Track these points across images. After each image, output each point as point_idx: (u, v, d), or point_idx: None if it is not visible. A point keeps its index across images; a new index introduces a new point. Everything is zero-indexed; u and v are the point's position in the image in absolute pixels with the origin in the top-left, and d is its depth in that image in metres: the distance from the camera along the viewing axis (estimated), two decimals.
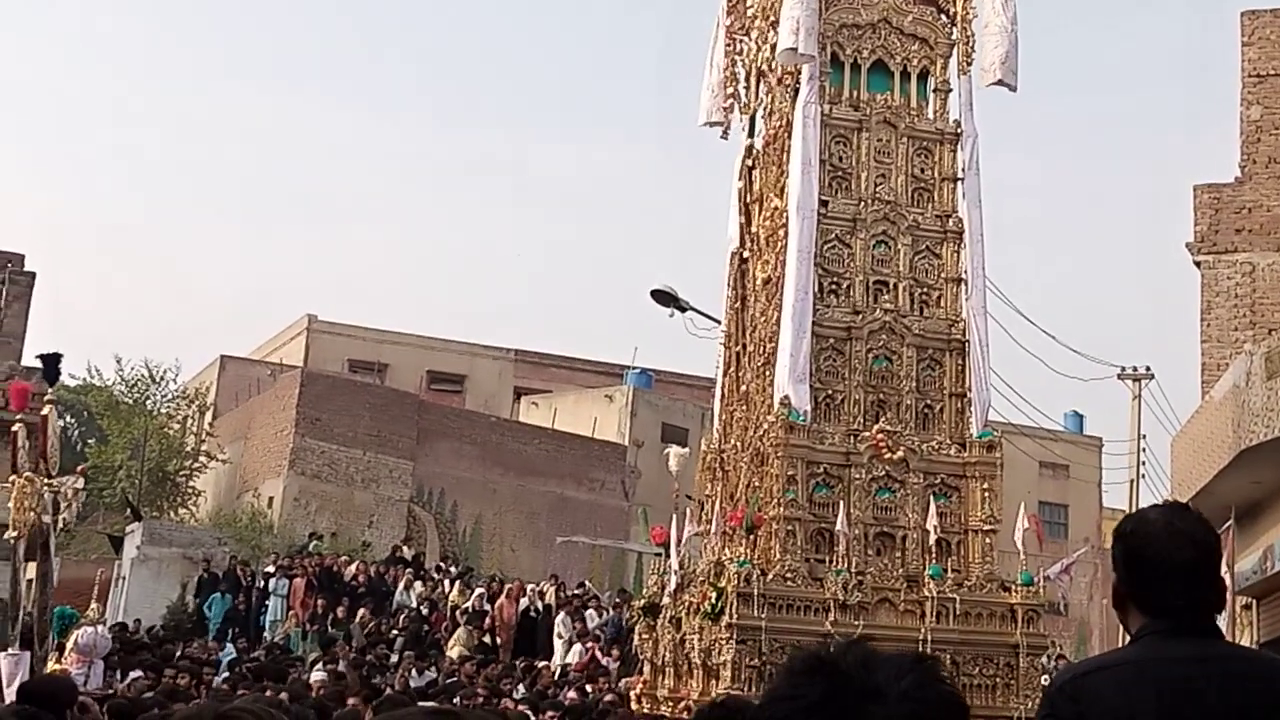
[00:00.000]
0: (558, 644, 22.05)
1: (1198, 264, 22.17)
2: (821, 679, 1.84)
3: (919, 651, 8.87)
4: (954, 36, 13.01)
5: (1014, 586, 11.54)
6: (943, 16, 13.11)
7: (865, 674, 1.84)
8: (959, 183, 12.72)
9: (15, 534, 9.31)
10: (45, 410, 10.58)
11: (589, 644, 21.04)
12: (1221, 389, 17.22)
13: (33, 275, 27.39)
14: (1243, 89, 22.56)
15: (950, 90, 13.00)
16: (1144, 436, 30.13)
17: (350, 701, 12.46)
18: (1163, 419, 31.94)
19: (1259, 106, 22.32)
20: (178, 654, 18.78)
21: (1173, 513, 3.17)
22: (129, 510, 32.21)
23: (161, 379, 39.92)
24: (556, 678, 17.69)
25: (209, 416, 41.10)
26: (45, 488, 9.72)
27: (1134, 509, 29.95)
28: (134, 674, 13.88)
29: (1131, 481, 30.47)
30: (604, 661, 19.34)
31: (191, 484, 38.06)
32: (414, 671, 17.95)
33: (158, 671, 13.41)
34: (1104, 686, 3.00)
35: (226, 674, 16.27)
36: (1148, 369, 30.22)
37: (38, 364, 12.60)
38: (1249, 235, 21.86)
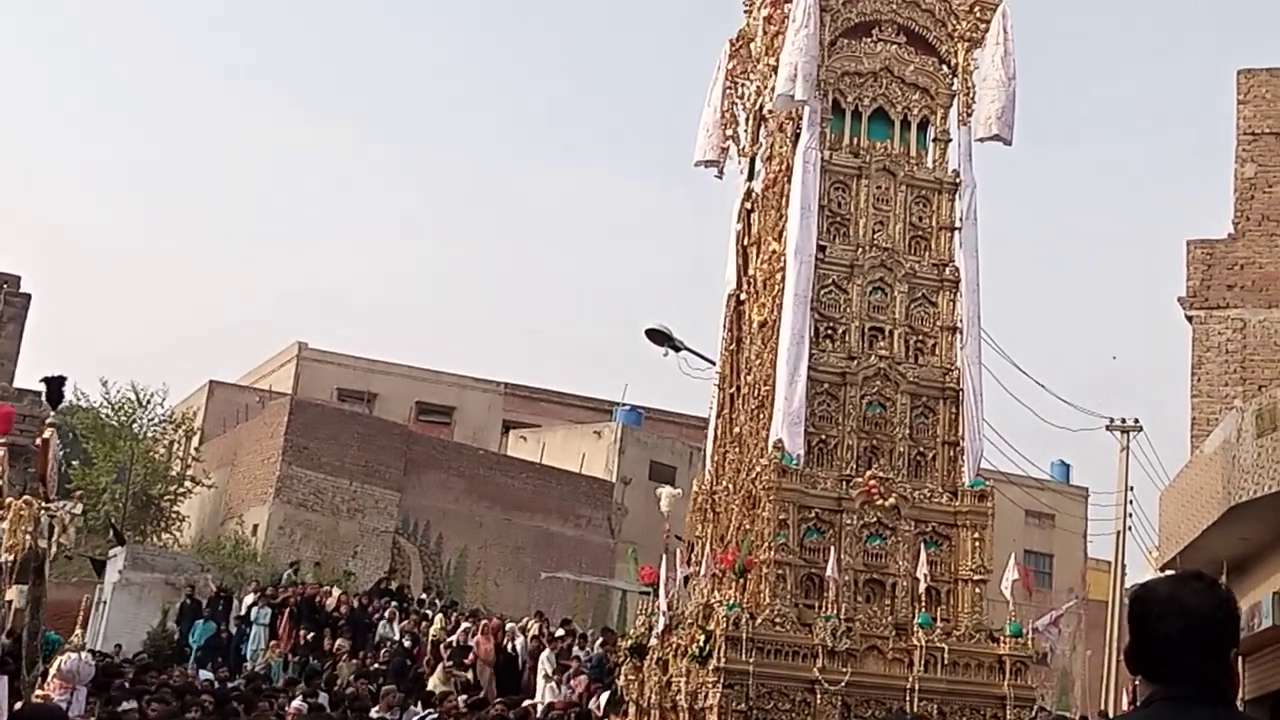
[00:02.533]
0: (541, 681, 21.92)
1: (1189, 319, 22.29)
2: None
3: None
4: (955, 87, 13.12)
5: (1002, 637, 11.52)
6: (944, 67, 13.22)
7: None
8: (956, 232, 12.79)
9: (12, 557, 9.27)
10: (47, 434, 10.57)
11: (578, 681, 20.92)
12: (1212, 444, 17.26)
13: (28, 297, 27.33)
14: (1237, 146, 22.75)
15: (950, 140, 13.09)
16: (1131, 488, 30.20)
17: None
18: (1150, 472, 32.01)
19: (1253, 164, 22.51)
20: (158, 682, 18.61)
21: (1177, 582, 3.18)
22: (112, 533, 32.02)
23: (148, 402, 39.79)
24: (540, 716, 17.58)
25: (195, 441, 40.97)
26: (42, 511, 9.68)
27: (1119, 560, 30.09)
28: (127, 704, 13.76)
29: (1117, 533, 30.50)
30: (590, 703, 19.22)
31: (176, 509, 37.88)
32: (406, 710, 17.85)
33: (142, 700, 13.30)
34: None
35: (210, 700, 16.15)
36: (1136, 421, 30.32)
37: (29, 386, 12.60)
38: (1241, 291, 21.99)
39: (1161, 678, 3.07)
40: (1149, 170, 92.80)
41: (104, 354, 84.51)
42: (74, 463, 39.43)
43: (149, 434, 39.82)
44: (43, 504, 9.76)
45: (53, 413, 11.08)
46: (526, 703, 19.21)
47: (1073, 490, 46.53)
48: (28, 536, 9.36)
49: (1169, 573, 3.43)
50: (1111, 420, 30.11)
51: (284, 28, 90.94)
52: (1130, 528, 29.99)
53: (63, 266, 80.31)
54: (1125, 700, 24.69)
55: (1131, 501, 30.04)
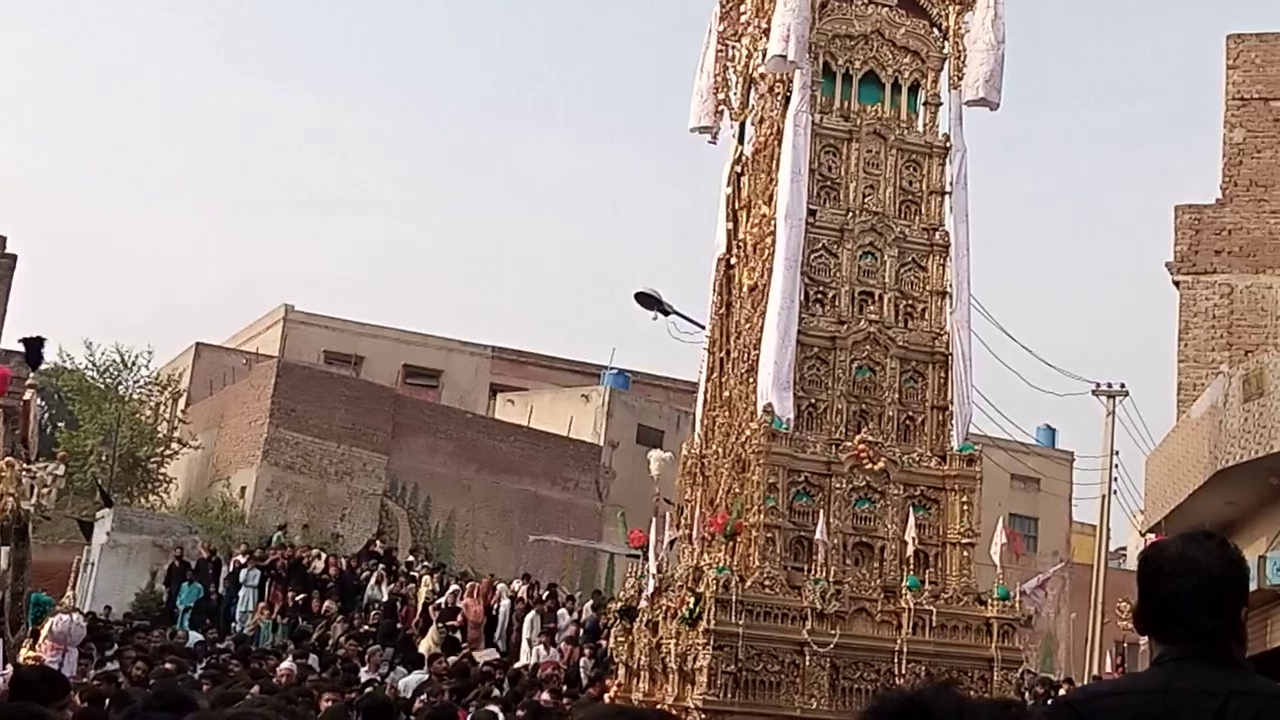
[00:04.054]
0: (525, 645, 22.03)
1: (1177, 284, 22.34)
2: None
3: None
4: (945, 51, 13.06)
5: (990, 600, 11.60)
6: (935, 30, 13.15)
7: None
8: (946, 196, 12.77)
9: None
10: (28, 395, 10.50)
11: (564, 645, 21.01)
12: (1199, 409, 17.35)
13: (14, 258, 27.06)
14: (1226, 111, 22.75)
15: (940, 104, 13.05)
16: (1117, 453, 30.28)
17: (326, 696, 12.46)
18: (1136, 436, 32.10)
19: (1241, 129, 22.51)
20: (150, 643, 18.64)
21: (1189, 541, 3.15)
22: (99, 495, 31.98)
23: (134, 364, 39.64)
24: (528, 679, 17.65)
25: (182, 403, 40.85)
26: (24, 473, 9.62)
27: (1104, 524, 30.26)
28: (111, 665, 13.78)
29: (1102, 497, 30.62)
30: (582, 661, 19.34)
31: (163, 471, 37.81)
32: (394, 668, 17.93)
33: (148, 663, 13.34)
34: (1118, 711, 3.01)
35: (203, 664, 16.20)
36: (1122, 386, 30.36)
37: (18, 347, 12.54)
38: (1228, 257, 22.05)
39: (1172, 637, 3.06)
40: (1140, 136, 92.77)
41: (91, 315, 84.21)
42: (60, 424, 39.33)
43: (135, 396, 39.68)
44: (24, 465, 9.71)
45: (33, 374, 11.01)
46: (517, 665, 19.32)
47: (1058, 454, 46.68)
48: (10, 498, 9.32)
49: (1180, 533, 3.38)
50: (1098, 385, 30.15)
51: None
52: (1115, 492, 30.11)
53: (51, 233, 79.90)
54: (1109, 663, 24.89)
55: (1117, 466, 30.15)
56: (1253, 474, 15.81)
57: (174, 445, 37.81)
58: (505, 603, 24.24)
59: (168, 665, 13.22)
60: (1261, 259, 22.08)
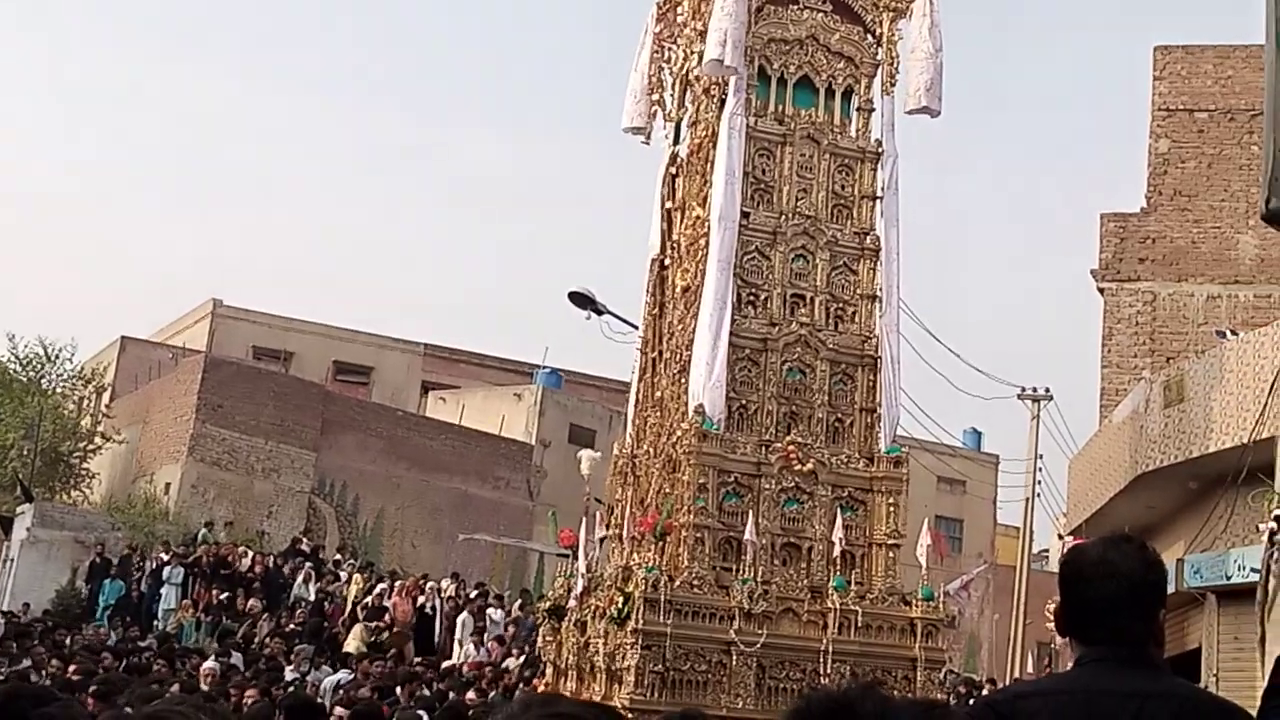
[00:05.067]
0: (457, 645, 21.94)
1: (1101, 290, 22.72)
2: None
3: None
4: (879, 57, 13.21)
5: (914, 600, 11.74)
6: (869, 37, 13.30)
7: None
8: (878, 201, 12.91)
9: None
10: None
11: (492, 644, 20.95)
12: (1121, 414, 17.65)
13: None
14: (1152, 122, 23.17)
15: (873, 109, 13.19)
16: (1041, 456, 30.72)
17: (249, 693, 12.37)
18: (1060, 440, 32.62)
19: (1167, 139, 22.94)
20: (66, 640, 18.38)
21: (1109, 545, 3.20)
22: (20, 491, 31.42)
23: (57, 357, 38.96)
24: (456, 677, 17.59)
25: (106, 398, 40.22)
26: None
27: (1027, 527, 30.69)
28: (25, 663, 13.57)
29: (1026, 500, 31.05)
30: (506, 662, 19.30)
31: (85, 466, 37.19)
32: (318, 668, 17.77)
33: (64, 661, 13.17)
34: (1039, 712, 3.06)
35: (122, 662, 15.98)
36: (1047, 390, 30.81)
37: None
38: (1152, 265, 22.46)
39: (1092, 639, 3.12)
40: (1070, 143, 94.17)
41: (11, 306, 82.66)
42: None
43: (58, 390, 38.99)
44: None
45: None
46: (446, 664, 19.23)
47: (984, 458, 47.26)
48: None
49: (1099, 537, 3.44)
50: (1023, 389, 30.58)
51: None
52: (1039, 495, 30.56)
53: None
54: (1031, 663, 25.24)
55: (1040, 469, 30.60)
56: (1172, 478, 16.11)
57: (97, 440, 37.20)
58: (438, 602, 24.12)
59: (72, 668, 13.07)
60: (1184, 267, 22.52)
